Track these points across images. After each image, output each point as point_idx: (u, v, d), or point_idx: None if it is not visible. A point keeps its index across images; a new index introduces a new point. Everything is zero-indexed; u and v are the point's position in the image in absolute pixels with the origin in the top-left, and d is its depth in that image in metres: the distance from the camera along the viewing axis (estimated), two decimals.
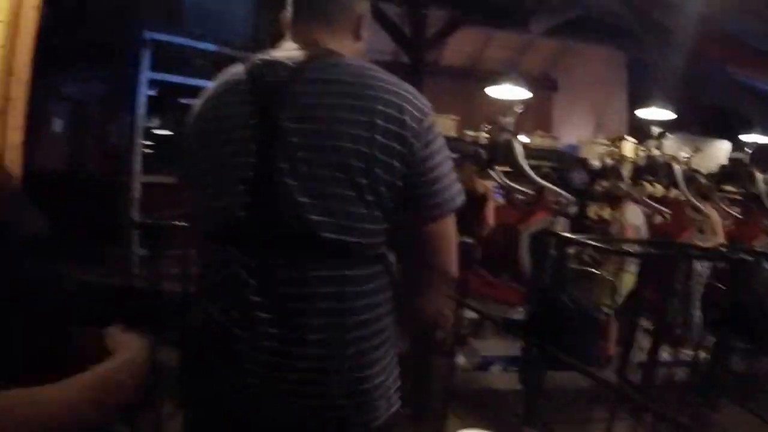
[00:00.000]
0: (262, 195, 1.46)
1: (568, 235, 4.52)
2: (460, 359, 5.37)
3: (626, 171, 8.49)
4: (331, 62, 1.52)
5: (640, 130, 12.36)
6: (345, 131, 1.42)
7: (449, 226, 1.59)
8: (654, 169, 8.11)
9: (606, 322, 5.59)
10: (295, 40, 1.60)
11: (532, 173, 6.32)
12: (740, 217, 8.07)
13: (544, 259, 4.66)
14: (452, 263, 1.61)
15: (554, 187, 6.26)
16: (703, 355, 4.52)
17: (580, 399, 4.47)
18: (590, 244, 4.39)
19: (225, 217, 1.53)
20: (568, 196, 5.94)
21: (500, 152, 6.62)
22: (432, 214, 1.54)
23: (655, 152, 8.41)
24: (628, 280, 5.83)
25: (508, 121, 6.37)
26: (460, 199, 1.58)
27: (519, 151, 6.16)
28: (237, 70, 1.59)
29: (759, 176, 7.75)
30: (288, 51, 1.57)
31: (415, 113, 1.48)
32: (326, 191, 1.43)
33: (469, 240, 5.01)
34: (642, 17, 11.79)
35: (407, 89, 1.53)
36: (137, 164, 7.93)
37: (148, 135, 8.19)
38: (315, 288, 1.47)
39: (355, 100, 1.44)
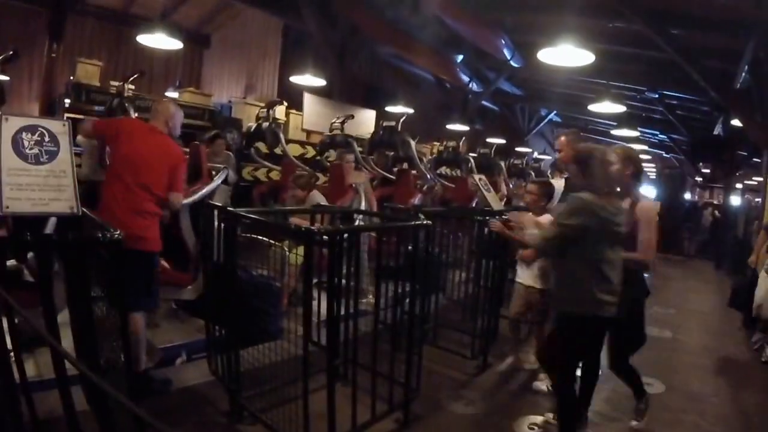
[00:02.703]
0: None
1: (237, 210, 3.97)
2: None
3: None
4: None
5: (291, 95, 12.61)
6: None
7: None
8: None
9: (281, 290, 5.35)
10: None
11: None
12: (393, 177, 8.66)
13: (210, 233, 4.14)
14: None
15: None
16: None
17: (280, 371, 3.96)
18: (257, 220, 3.98)
19: None
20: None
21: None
22: None
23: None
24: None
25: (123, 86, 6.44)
26: None
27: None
28: None
29: (413, 142, 8.41)
30: None
31: None
32: None
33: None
34: None
35: None
36: None
37: None
38: None
39: None
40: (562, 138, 4.90)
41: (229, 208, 4.01)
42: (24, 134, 2.58)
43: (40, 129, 2.61)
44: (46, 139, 2.62)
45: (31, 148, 2.58)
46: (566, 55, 7.76)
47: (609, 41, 10.35)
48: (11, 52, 5.94)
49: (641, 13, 8.93)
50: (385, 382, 3.89)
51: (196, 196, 5.12)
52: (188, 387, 4.31)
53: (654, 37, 9.31)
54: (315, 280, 3.45)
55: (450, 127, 15.21)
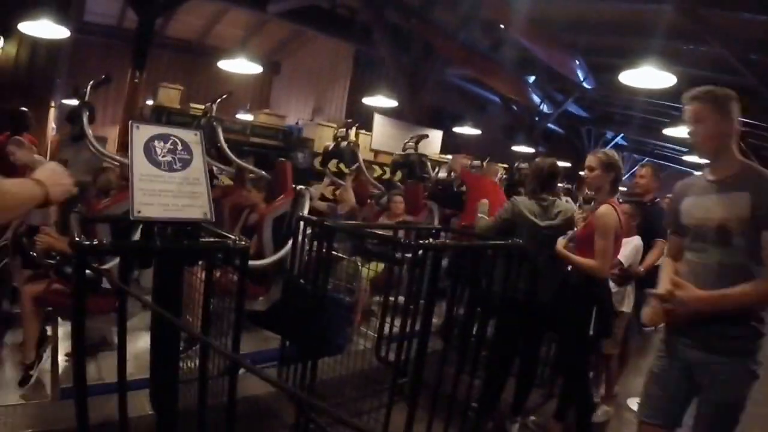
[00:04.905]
0: None
1: (333, 223, 4.00)
2: None
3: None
4: None
5: (359, 116, 12.77)
6: None
7: None
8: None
9: (354, 304, 5.38)
10: None
11: (231, 155, 6.47)
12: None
13: (295, 245, 4.17)
14: None
15: (256, 169, 6.27)
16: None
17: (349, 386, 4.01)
18: (362, 234, 4.02)
19: None
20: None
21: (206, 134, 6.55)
22: None
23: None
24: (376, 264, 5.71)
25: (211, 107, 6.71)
26: None
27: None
28: None
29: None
30: None
31: None
32: None
33: None
34: (375, 14, 12.07)
35: None
36: None
37: None
38: None
39: None
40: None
41: (326, 222, 4.03)
42: (156, 142, 2.59)
43: (172, 138, 2.64)
44: (179, 147, 2.64)
45: (164, 156, 2.59)
46: (647, 77, 7.72)
47: (685, 64, 10.18)
48: (104, 77, 6.16)
49: (719, 37, 8.77)
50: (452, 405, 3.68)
51: (279, 210, 5.34)
52: (251, 396, 4.13)
53: (732, 60, 9.14)
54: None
55: (515, 148, 15.15)
